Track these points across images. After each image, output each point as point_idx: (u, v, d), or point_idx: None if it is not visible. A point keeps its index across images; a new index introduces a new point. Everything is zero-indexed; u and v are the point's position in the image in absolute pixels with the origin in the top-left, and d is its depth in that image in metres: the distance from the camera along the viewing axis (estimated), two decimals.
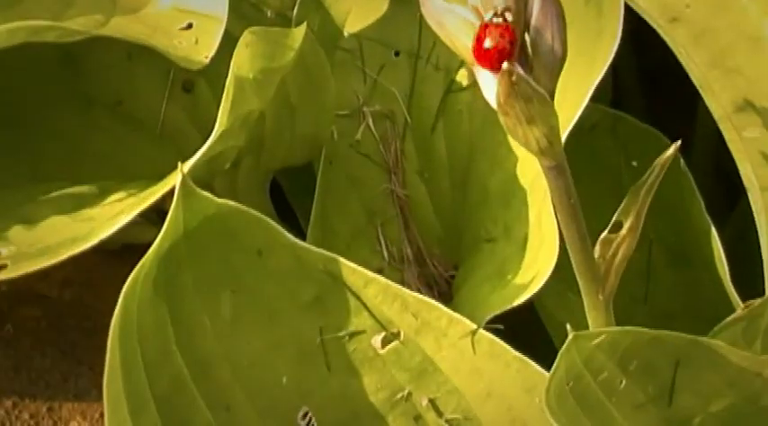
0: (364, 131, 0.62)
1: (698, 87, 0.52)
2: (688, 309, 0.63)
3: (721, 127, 0.52)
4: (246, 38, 0.51)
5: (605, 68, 0.54)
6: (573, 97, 0.56)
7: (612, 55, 0.54)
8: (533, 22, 0.39)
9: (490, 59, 0.38)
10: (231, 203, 0.46)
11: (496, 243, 0.59)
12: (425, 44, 0.63)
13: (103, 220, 0.48)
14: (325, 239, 0.62)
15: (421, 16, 0.62)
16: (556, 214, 0.44)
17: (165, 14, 0.53)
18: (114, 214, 0.48)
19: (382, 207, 0.62)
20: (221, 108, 0.49)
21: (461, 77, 0.63)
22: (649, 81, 0.60)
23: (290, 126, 0.60)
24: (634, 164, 0.63)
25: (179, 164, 0.44)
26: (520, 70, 0.37)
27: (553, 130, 0.39)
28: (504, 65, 0.37)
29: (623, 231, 0.44)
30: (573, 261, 0.44)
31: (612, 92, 0.68)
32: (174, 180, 0.46)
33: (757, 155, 0.52)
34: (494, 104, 0.39)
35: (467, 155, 0.62)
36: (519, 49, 0.39)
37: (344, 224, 0.62)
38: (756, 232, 0.53)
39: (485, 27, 0.38)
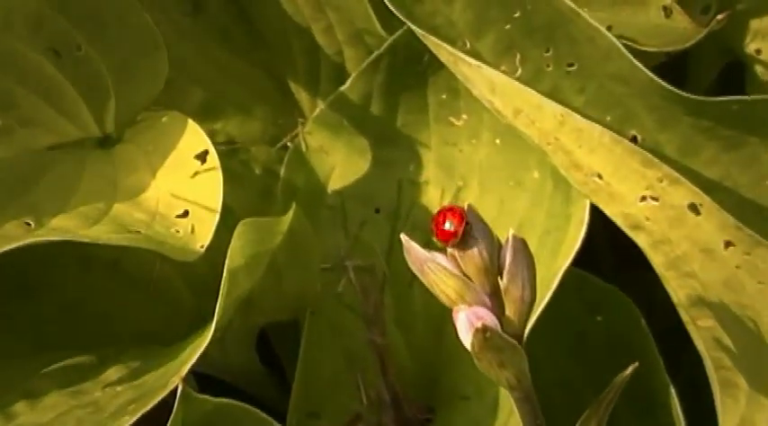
0: (346, 284, 0.64)
1: (660, 278, 0.55)
2: None
3: (679, 312, 0.56)
4: (239, 229, 0.55)
5: (572, 255, 0.58)
6: (543, 275, 0.59)
7: (579, 245, 0.58)
8: (506, 269, 0.43)
9: (448, 239, 0.43)
10: (225, 400, 0.50)
11: (470, 401, 0.62)
12: (404, 203, 0.66)
13: (108, 412, 0.51)
14: (308, 384, 0.64)
15: (400, 178, 0.67)
16: None
17: (162, 201, 0.57)
18: (117, 407, 0.52)
19: (362, 354, 0.64)
20: (218, 306, 0.52)
21: None
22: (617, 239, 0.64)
23: (276, 289, 0.63)
24: (599, 319, 0.67)
25: (179, 380, 0.47)
26: (493, 325, 0.41)
27: (522, 372, 0.43)
28: (478, 323, 0.41)
29: None
30: None
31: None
32: (171, 376, 0.49)
33: (711, 340, 0.55)
34: (468, 347, 0.43)
35: (441, 310, 0.64)
36: (492, 295, 0.43)
37: (326, 370, 0.65)
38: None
39: (443, 213, 0.43)
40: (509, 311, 0.43)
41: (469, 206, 0.43)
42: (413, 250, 0.43)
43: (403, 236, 0.44)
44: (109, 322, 0.63)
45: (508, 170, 0.62)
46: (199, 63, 0.69)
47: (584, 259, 0.62)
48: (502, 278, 0.43)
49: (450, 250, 0.44)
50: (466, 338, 0.42)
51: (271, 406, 0.67)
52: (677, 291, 0.54)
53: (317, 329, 0.65)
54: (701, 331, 0.55)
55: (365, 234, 0.65)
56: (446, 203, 0.65)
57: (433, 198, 0.65)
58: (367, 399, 0.63)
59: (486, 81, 0.51)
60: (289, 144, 0.68)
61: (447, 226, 0.43)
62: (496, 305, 0.43)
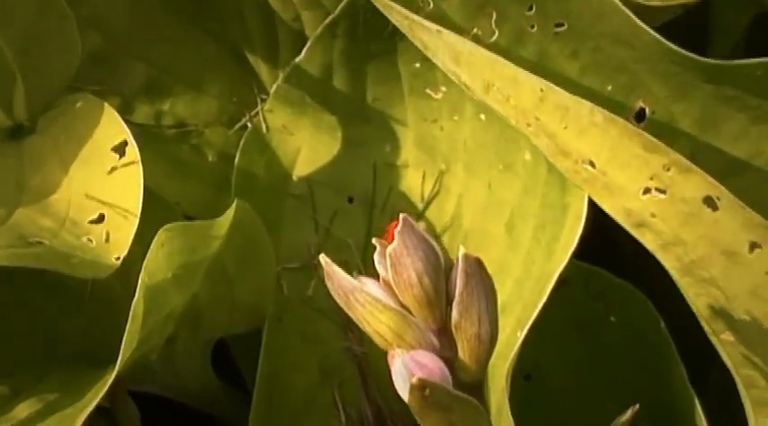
0: (317, 285, 0.57)
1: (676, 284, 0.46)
2: None
3: (701, 323, 0.47)
4: (161, 237, 0.46)
5: (569, 254, 0.49)
6: (538, 277, 0.51)
7: (576, 242, 0.48)
8: (456, 299, 0.33)
9: None
10: None
11: None
12: (381, 190, 0.59)
13: None
14: (274, 404, 0.58)
15: (375, 161, 0.59)
16: None
17: (75, 203, 0.48)
18: None
19: (339, 366, 0.58)
20: (127, 331, 0.43)
21: None
22: None
23: (228, 298, 0.55)
24: (612, 319, 0.58)
25: None
26: (439, 374, 0.32)
27: None
28: (414, 378, 0.31)
29: None
30: None
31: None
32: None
33: (739, 356, 0.46)
34: (407, 401, 0.33)
35: None
36: (440, 333, 0.33)
37: (297, 385, 0.58)
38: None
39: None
40: (463, 353, 0.33)
41: (406, 216, 0.33)
42: (335, 277, 0.34)
43: (322, 258, 0.34)
44: (35, 341, 0.55)
45: (496, 150, 0.55)
46: (140, 34, 0.61)
47: (598, 239, 0.54)
48: (451, 310, 0.33)
49: (382, 275, 0.34)
50: (404, 391, 0.32)
51: None
52: (695, 300, 0.45)
53: (283, 337, 0.58)
54: (727, 346, 0.46)
55: (337, 227, 0.59)
56: (428, 189, 0.57)
57: (414, 183, 0.58)
58: (346, 418, 0.58)
59: (448, 49, 0.42)
60: (249, 124, 0.61)
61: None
62: (446, 346, 0.33)
